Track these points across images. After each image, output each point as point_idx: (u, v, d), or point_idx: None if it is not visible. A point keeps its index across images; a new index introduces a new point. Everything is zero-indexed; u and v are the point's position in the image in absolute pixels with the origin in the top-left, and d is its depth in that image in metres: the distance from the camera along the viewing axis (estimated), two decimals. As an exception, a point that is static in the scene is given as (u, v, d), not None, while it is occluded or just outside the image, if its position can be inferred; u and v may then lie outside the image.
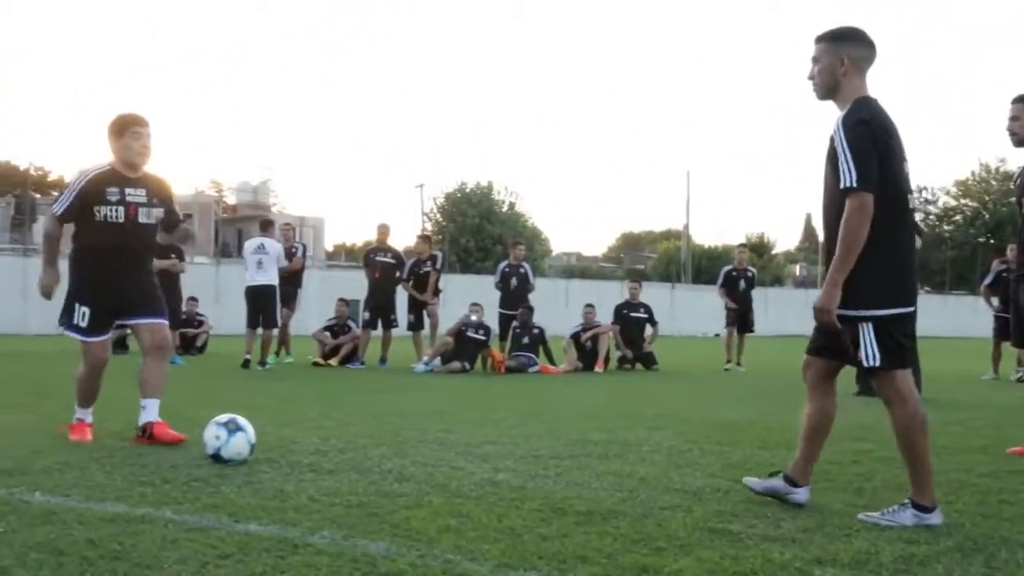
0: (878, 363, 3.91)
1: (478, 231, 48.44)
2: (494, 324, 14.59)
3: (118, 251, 5.77)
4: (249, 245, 13.85)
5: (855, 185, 3.82)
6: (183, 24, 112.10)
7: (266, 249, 13.44)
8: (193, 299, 17.60)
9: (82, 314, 5.78)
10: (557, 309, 29.32)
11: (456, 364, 13.27)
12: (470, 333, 13.63)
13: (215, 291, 27.47)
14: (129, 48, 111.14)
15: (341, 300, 15.37)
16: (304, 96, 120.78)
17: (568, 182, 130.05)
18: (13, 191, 54.60)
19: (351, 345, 14.54)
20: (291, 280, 14.29)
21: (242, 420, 5.13)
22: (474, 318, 13.79)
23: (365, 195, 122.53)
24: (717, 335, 31.74)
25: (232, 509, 3.92)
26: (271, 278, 13.35)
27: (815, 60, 4.09)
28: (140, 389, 5.81)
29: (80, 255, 5.86)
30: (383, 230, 14.75)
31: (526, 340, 14.24)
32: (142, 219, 5.81)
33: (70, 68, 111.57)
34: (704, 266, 54.13)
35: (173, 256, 14.07)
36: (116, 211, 5.72)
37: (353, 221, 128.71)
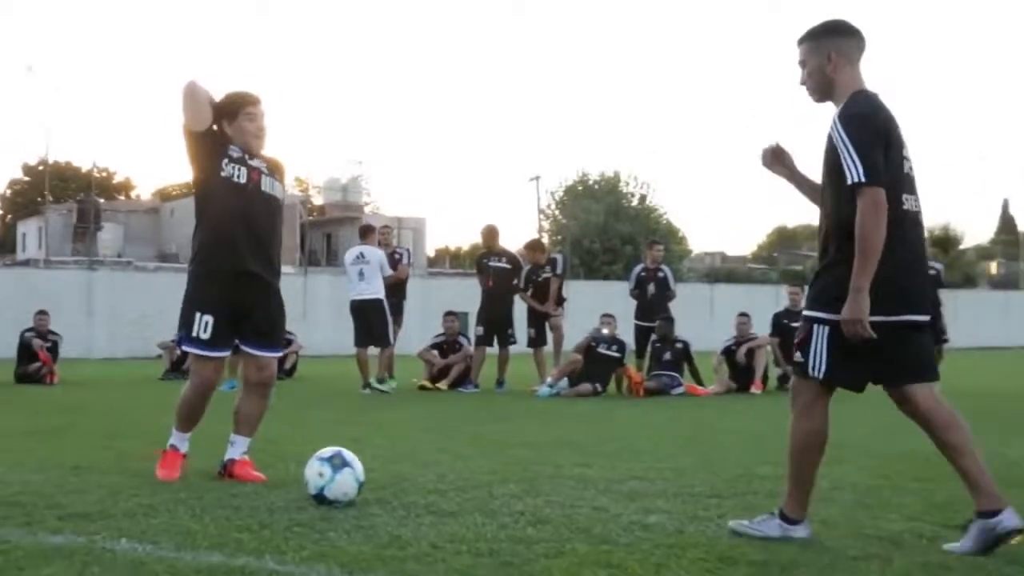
0: (820, 374, 4.27)
1: (604, 230, 48.32)
2: (629, 338, 14.52)
3: (243, 223, 5.81)
4: (348, 255, 14.10)
5: (863, 179, 4.07)
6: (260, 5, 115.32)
7: (366, 258, 13.65)
8: (279, 315, 17.94)
9: (204, 324, 5.80)
10: (700, 319, 29.06)
11: (586, 386, 13.24)
12: (601, 349, 13.58)
13: (302, 305, 28.09)
14: (195, 27, 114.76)
15: (449, 313, 15.49)
16: (396, 80, 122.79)
17: (708, 169, 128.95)
18: (75, 196, 56.73)
19: (463, 365, 14.65)
20: (395, 291, 14.41)
21: (348, 455, 5.19)
22: (605, 331, 13.74)
23: (471, 191, 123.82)
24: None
25: (343, 558, 3.95)
26: (376, 290, 13.58)
27: (802, 64, 4.42)
28: (233, 423, 5.99)
29: (205, 241, 5.91)
30: (489, 233, 14.77)
31: (668, 356, 14.13)
32: (265, 188, 5.91)
33: (133, 57, 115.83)
34: (877, 264, 52.96)
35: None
36: (239, 171, 5.83)
37: (457, 221, 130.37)
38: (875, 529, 4.57)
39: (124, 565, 3.85)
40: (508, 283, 14.48)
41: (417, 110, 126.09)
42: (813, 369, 4.27)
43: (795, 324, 14.61)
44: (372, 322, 13.63)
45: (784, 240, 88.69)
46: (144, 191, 78.90)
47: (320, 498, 5.07)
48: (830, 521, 4.74)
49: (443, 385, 14.44)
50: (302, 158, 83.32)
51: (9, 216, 68.57)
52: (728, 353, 14.42)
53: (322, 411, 11.17)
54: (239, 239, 5.81)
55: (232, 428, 5.99)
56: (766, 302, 29.51)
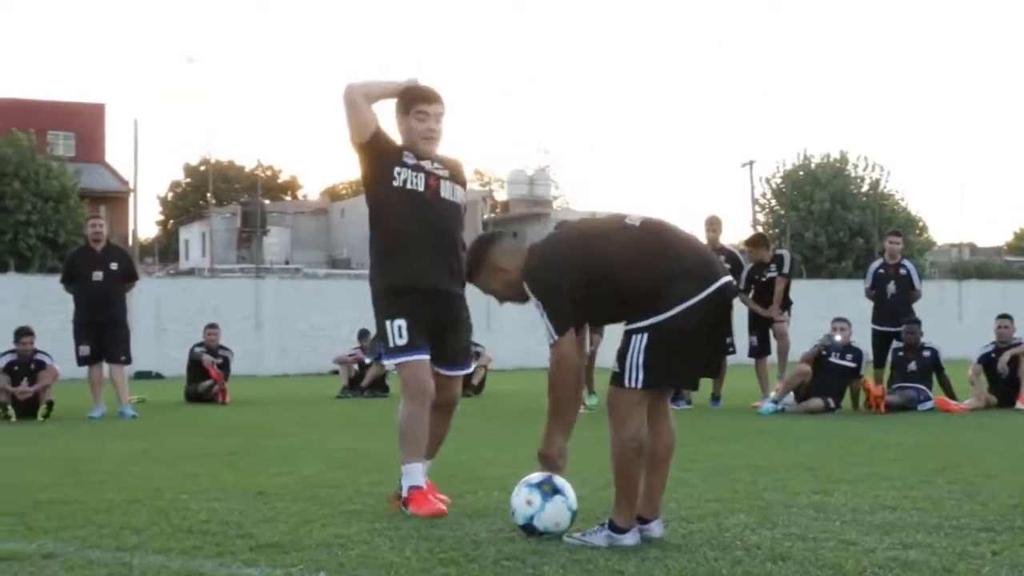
0: (640, 384, 4.96)
1: (829, 220, 47.51)
2: (866, 346, 14.27)
3: (424, 231, 6.05)
4: None
5: (555, 336, 5.16)
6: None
7: None
8: (466, 325, 18.20)
9: (397, 328, 6.00)
10: (948, 322, 28.32)
11: (817, 401, 13.07)
12: (834, 359, 13.37)
13: (486, 314, 28.35)
14: (370, 10, 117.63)
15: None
16: (587, 59, 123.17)
17: (951, 148, 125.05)
18: (239, 198, 58.86)
19: (673, 379, 14.59)
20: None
21: (560, 480, 5.26)
22: (838, 338, 13.52)
23: (672, 180, 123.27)
24: None
25: (561, 596, 4.01)
26: None
27: (491, 293, 5.42)
28: None
29: (384, 249, 6.15)
30: (713, 226, 14.65)
31: (913, 367, 13.81)
32: (445, 193, 6.15)
33: (296, 43, 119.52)
34: None
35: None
36: (416, 177, 6.06)
37: (658, 215, 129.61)
38: None
39: (325, 601, 4.01)
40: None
41: (610, 91, 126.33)
42: (630, 380, 4.94)
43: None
44: None
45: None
46: (311, 191, 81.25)
47: (529, 528, 5.15)
48: None
49: (651, 401, 14.40)
50: (484, 149, 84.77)
51: (171, 221, 71.49)
52: (987, 362, 13.97)
53: (518, 430, 11.31)
54: (419, 251, 6.04)
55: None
56: (1028, 300, 28.55)
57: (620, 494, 5.02)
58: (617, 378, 5.01)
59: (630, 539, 4.96)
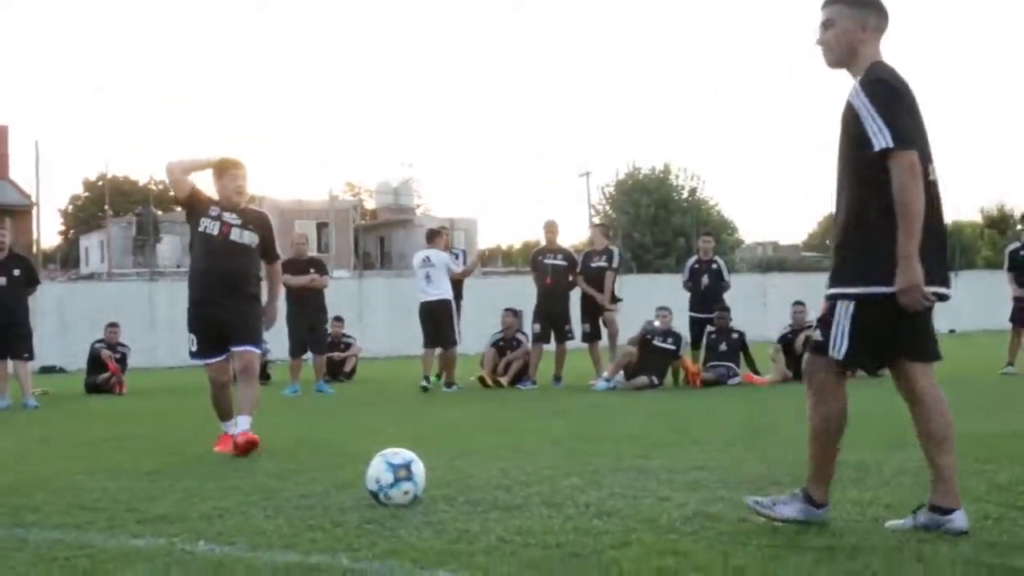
0: (841, 354, 4.20)
1: (655, 222, 48.23)
2: (684, 330, 14.52)
3: (212, 266, 7.56)
4: (416, 258, 14.43)
5: (892, 144, 3.96)
6: (307, 17, 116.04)
7: (432, 261, 13.90)
8: (339, 319, 18.11)
9: (191, 340, 7.68)
10: (754, 309, 28.93)
11: (642, 379, 13.27)
12: (657, 342, 13.59)
13: (358, 308, 28.22)
14: (251, 42, 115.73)
15: (509, 311, 15.54)
16: (444, 82, 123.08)
17: (756, 160, 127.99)
18: (134, 210, 57.47)
19: (521, 362, 14.72)
20: (454, 291, 14.44)
21: (417, 469, 5.19)
22: (659, 324, 13.75)
23: (521, 189, 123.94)
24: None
25: (415, 554, 4.02)
26: (443, 292, 13.86)
27: (829, 24, 4.27)
28: (235, 408, 7.57)
29: (189, 279, 7.78)
30: (551, 228, 14.79)
31: (724, 347, 14.13)
32: (234, 237, 7.58)
33: (187, 70, 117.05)
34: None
35: (312, 271, 14.51)
36: (213, 225, 7.56)
37: (508, 220, 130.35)
38: (939, 512, 4.54)
39: (204, 566, 3.95)
40: (565, 280, 14.52)
41: (464, 110, 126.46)
42: (834, 349, 4.22)
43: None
44: (440, 323, 13.87)
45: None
46: (200, 202, 79.64)
47: (374, 495, 5.15)
48: (894, 505, 4.73)
49: (504, 380, 14.54)
50: (354, 163, 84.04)
51: (72, 231, 69.53)
52: (785, 342, 14.34)
53: (383, 411, 11.29)
54: (208, 278, 7.59)
55: (235, 412, 7.53)
56: (821, 290, 29.32)
57: (816, 469, 4.43)
58: (819, 346, 4.30)
59: (820, 513, 4.39)
